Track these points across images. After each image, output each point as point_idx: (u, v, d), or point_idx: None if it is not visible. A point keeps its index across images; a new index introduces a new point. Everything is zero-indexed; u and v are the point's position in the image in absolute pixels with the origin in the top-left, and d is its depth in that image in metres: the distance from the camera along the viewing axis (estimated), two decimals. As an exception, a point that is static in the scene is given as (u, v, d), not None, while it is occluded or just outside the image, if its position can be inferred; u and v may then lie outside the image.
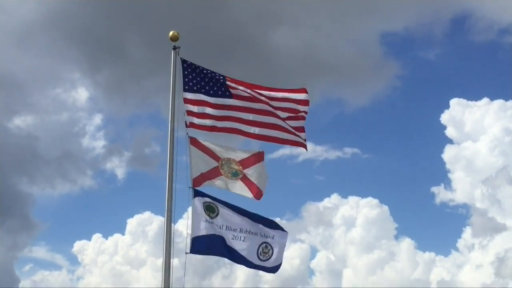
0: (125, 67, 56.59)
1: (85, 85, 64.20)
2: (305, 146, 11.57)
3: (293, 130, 11.45)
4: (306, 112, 11.55)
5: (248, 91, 11.32)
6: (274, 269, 11.09)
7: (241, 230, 10.86)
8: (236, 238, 10.81)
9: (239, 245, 10.81)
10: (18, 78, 54.47)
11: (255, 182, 11.14)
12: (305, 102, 11.55)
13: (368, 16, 57.29)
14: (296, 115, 11.48)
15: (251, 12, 52.45)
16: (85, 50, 56.01)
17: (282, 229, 11.23)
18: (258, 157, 11.29)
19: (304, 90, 11.59)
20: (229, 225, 10.80)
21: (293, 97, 11.51)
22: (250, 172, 11.14)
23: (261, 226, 10.99)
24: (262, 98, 11.33)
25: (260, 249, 10.94)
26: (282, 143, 11.66)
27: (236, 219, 10.90)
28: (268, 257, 10.98)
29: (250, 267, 11.00)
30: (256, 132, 11.37)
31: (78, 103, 63.69)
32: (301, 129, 11.56)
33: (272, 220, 11.24)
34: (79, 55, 56.74)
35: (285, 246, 11.22)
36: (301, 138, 11.54)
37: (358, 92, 64.77)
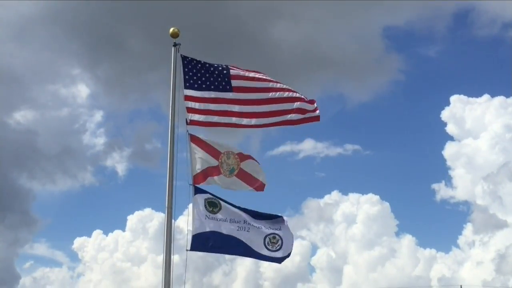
0: (125, 61, 56.56)
1: (85, 80, 64.22)
2: (317, 119, 11.42)
3: (300, 107, 11.31)
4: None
5: (252, 85, 11.22)
6: (281, 260, 11.03)
7: (245, 222, 10.83)
8: (242, 229, 10.77)
9: (245, 236, 10.76)
10: (18, 73, 54.37)
11: (253, 175, 11.09)
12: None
13: (370, 10, 57.09)
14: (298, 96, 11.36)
15: (250, 6, 52.22)
16: (86, 45, 55.99)
17: (283, 221, 11.14)
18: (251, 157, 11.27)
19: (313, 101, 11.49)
20: (233, 218, 10.78)
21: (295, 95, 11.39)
22: (247, 166, 11.08)
23: (263, 221, 10.95)
24: (264, 87, 11.27)
25: (267, 240, 10.86)
26: (291, 124, 11.43)
27: (239, 213, 10.87)
28: (278, 248, 10.90)
29: (257, 258, 10.99)
30: (258, 123, 11.22)
31: (78, 99, 63.64)
32: (312, 101, 11.44)
33: (274, 216, 11.16)
34: (79, 49, 56.71)
35: (293, 236, 11.17)
36: (310, 112, 11.39)
37: (359, 87, 64.71)
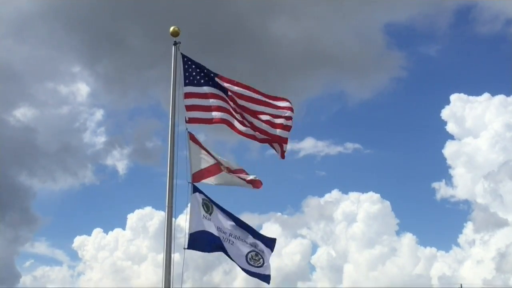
0: (125, 58, 56.46)
1: (85, 77, 64.16)
2: (282, 154, 11.31)
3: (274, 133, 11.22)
4: (291, 118, 11.27)
5: (236, 89, 11.16)
6: (266, 278, 10.95)
7: (230, 234, 10.82)
8: (226, 241, 10.75)
9: (229, 248, 10.74)
10: (17, 69, 54.23)
11: (249, 175, 11.14)
12: (289, 108, 11.28)
13: (371, 6, 56.84)
14: (278, 122, 11.23)
15: (250, 2, 51.96)
16: (85, 41, 55.86)
17: (269, 240, 11.10)
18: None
19: (287, 100, 11.34)
20: (220, 227, 10.78)
21: (276, 104, 11.27)
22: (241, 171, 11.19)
23: (250, 236, 10.93)
24: (249, 98, 11.23)
25: (250, 256, 10.86)
26: (264, 142, 11.40)
27: (227, 223, 10.86)
28: (260, 265, 10.90)
29: (243, 270, 10.91)
30: (246, 132, 11.20)
31: (78, 96, 63.51)
32: (285, 140, 11.30)
33: (260, 233, 11.16)
34: (79, 46, 56.54)
35: (270, 256, 11.08)
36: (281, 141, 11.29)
37: (360, 85, 64.52)
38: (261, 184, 11.13)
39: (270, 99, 11.30)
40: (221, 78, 11.21)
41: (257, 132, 11.16)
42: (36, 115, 57.83)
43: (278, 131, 11.15)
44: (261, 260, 10.87)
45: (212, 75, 11.17)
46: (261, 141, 11.29)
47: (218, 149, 11.15)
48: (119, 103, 64.99)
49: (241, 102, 11.12)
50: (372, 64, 63.08)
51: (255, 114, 11.14)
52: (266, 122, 11.13)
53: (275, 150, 11.35)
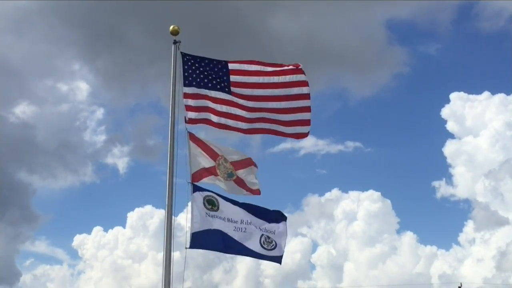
0: (125, 54, 56.26)
1: (84, 73, 63.93)
2: (305, 135, 11.35)
3: (294, 120, 11.20)
4: (309, 95, 11.21)
5: (250, 80, 11.00)
6: (278, 259, 11.06)
7: (242, 222, 10.85)
8: (238, 229, 10.80)
9: (241, 236, 10.79)
10: (15, 66, 54.00)
11: (247, 184, 11.19)
12: (305, 83, 11.18)
13: (372, 1, 56.34)
14: (300, 105, 11.16)
15: (249, -3, 51.48)
16: (85, 38, 55.66)
17: (281, 218, 11.18)
18: (248, 162, 11.28)
19: (301, 71, 11.14)
20: (230, 217, 10.79)
21: (294, 79, 11.13)
22: (243, 174, 11.17)
23: (261, 221, 10.98)
24: (261, 85, 11.09)
25: (263, 239, 10.93)
26: (281, 136, 11.41)
27: (236, 210, 10.89)
28: (272, 247, 10.97)
29: (254, 257, 11.02)
30: (253, 127, 11.26)
31: (78, 93, 63.33)
32: (306, 122, 11.26)
33: (271, 212, 11.20)
34: (78, 42, 56.30)
35: (286, 235, 11.20)
36: (302, 129, 11.29)
37: (361, 81, 64.20)
38: (259, 192, 11.23)
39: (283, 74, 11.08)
40: (232, 62, 11.10)
41: (269, 124, 11.15)
42: (36, 112, 57.68)
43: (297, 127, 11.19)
44: (273, 242, 10.93)
45: (214, 70, 11.00)
46: (274, 133, 11.26)
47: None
48: (119, 100, 64.91)
49: (251, 91, 11.02)
50: (373, 60, 62.85)
51: (268, 100, 11.03)
52: (281, 111, 11.08)
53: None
